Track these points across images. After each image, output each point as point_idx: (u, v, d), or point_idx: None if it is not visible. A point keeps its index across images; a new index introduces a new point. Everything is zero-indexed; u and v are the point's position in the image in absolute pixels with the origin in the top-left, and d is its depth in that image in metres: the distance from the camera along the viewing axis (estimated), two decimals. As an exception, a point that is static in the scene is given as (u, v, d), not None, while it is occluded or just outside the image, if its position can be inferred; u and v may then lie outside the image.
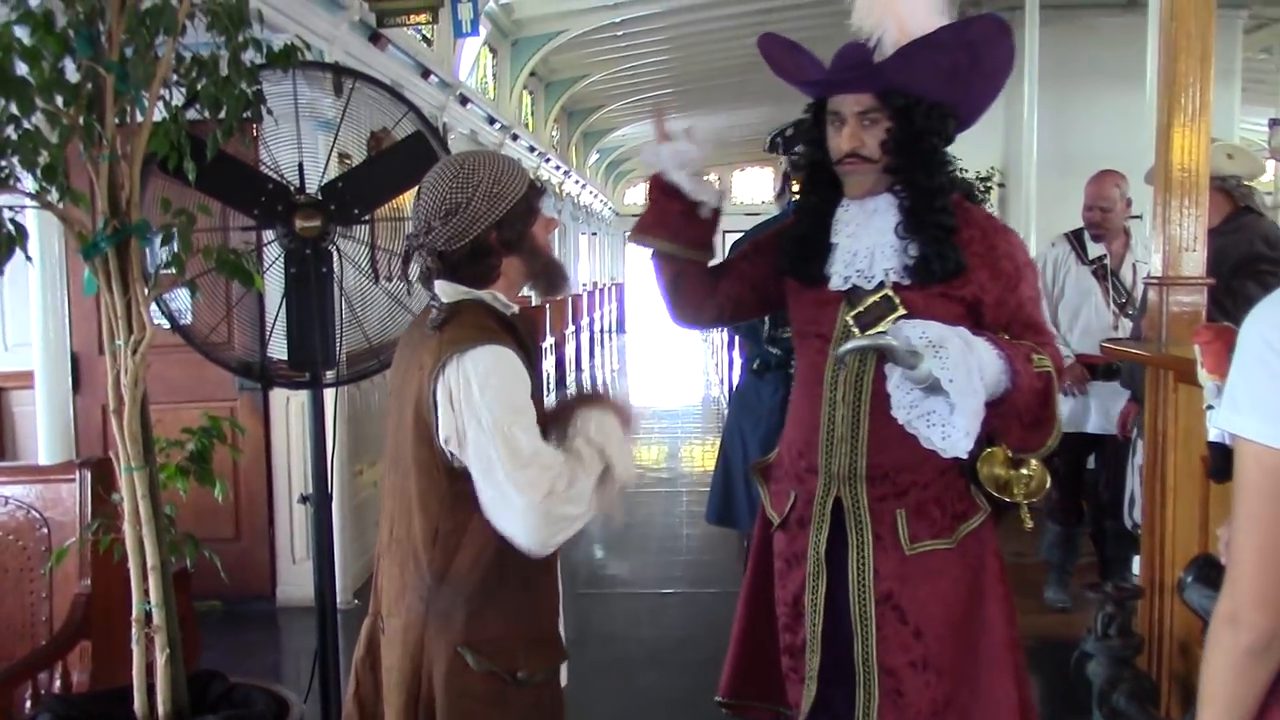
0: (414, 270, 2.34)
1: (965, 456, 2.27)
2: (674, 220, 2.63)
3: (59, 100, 2.36)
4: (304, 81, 3.41)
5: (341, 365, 3.58)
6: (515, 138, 13.46)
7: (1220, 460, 1.42)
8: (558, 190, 18.39)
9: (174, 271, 2.55)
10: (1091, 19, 10.08)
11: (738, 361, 6.21)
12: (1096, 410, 5.06)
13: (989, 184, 10.42)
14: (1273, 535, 1.36)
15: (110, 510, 2.66)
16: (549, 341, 14.17)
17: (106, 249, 2.44)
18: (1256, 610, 1.37)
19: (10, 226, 2.24)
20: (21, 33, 2.34)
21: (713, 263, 2.76)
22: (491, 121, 12.10)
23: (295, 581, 5.63)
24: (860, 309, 2.46)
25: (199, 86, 2.59)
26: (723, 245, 3.22)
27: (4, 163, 2.28)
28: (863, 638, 2.49)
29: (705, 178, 2.65)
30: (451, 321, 2.16)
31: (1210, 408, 1.61)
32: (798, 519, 2.61)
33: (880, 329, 2.38)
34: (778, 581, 2.67)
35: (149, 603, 2.54)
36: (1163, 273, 3.79)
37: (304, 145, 3.42)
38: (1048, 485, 2.55)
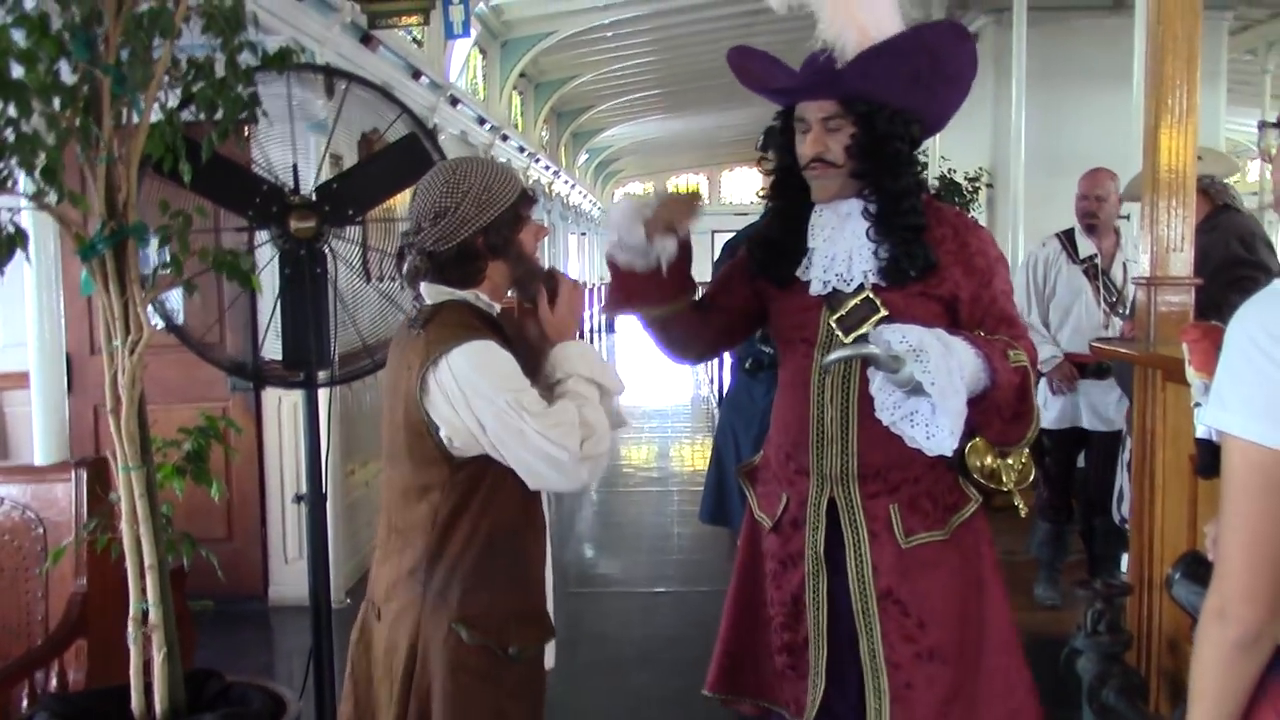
0: (396, 268, 2.43)
1: (950, 454, 2.31)
2: (641, 286, 2.63)
3: (56, 103, 2.36)
4: (296, 83, 3.42)
5: (335, 365, 3.59)
6: (505, 138, 13.48)
7: (1207, 456, 1.45)
8: (547, 190, 18.41)
9: (171, 272, 2.55)
10: (1079, 20, 10.14)
11: (728, 361, 6.24)
12: (1086, 408, 5.10)
13: (977, 184, 10.46)
14: (1260, 530, 1.39)
15: (107, 510, 2.68)
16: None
17: (104, 250, 2.45)
18: (1244, 605, 1.40)
19: (11, 228, 2.25)
20: (17, 35, 2.35)
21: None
22: (481, 122, 12.13)
23: (288, 581, 5.63)
24: (843, 312, 2.50)
25: (195, 89, 2.60)
26: (712, 246, 3.24)
27: (2, 165, 2.29)
28: (867, 635, 2.52)
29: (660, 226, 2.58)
30: (434, 321, 2.25)
31: (1198, 405, 1.64)
32: (791, 520, 2.63)
33: (863, 331, 2.42)
34: (771, 582, 2.69)
35: (146, 601, 2.55)
36: (1151, 272, 3.83)
37: (297, 146, 3.43)
38: (1034, 472, 2.60)
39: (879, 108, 2.40)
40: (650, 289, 2.63)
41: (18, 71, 2.33)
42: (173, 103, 2.66)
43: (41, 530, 3.17)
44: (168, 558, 2.62)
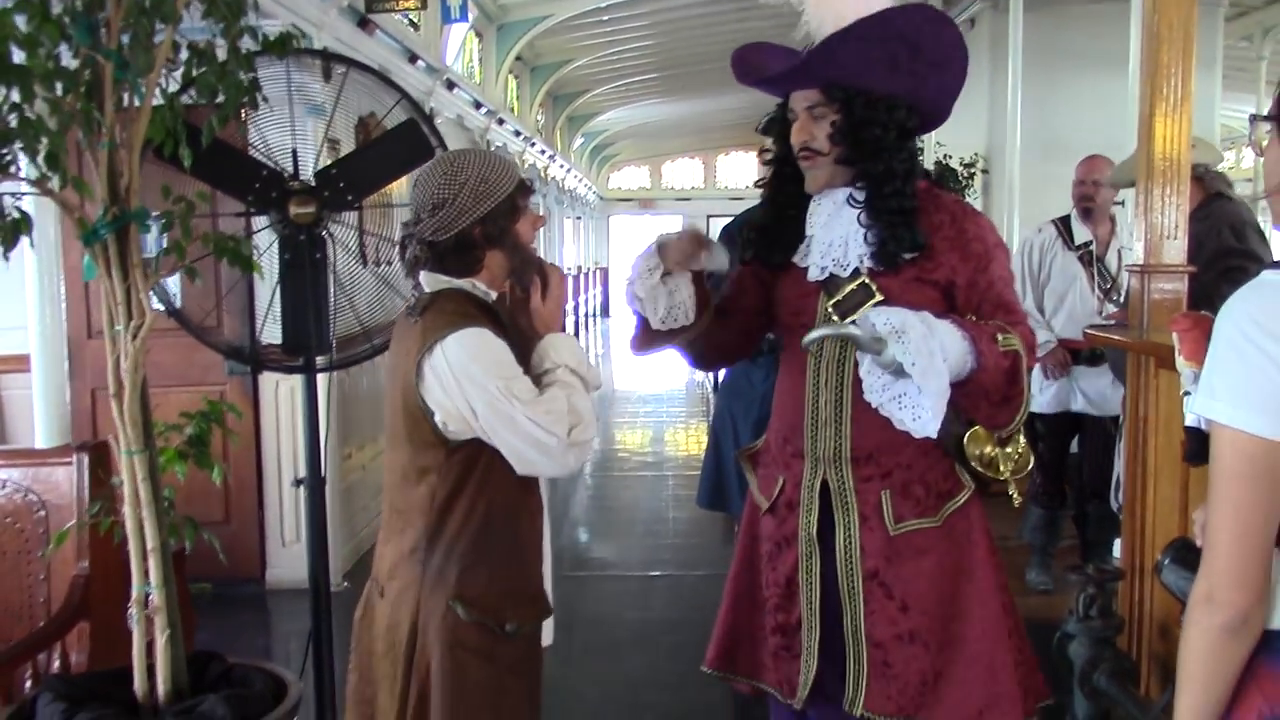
0: (400, 258, 2.49)
1: (934, 436, 2.35)
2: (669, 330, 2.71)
3: (58, 88, 2.37)
4: (295, 67, 3.43)
5: (333, 349, 3.60)
6: (501, 122, 13.45)
7: (1196, 444, 1.47)
8: (542, 174, 18.38)
9: (174, 257, 2.57)
10: (1074, 6, 10.12)
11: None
12: (1079, 393, 5.12)
13: (973, 170, 10.48)
14: (1247, 517, 1.42)
15: (109, 493, 2.70)
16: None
17: (106, 235, 2.47)
18: (1232, 590, 1.43)
19: (15, 213, 2.26)
20: (19, 20, 2.36)
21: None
22: (478, 106, 12.10)
23: (285, 564, 5.67)
24: (839, 297, 2.53)
25: (196, 74, 2.61)
26: (707, 230, 3.27)
27: (6, 150, 2.30)
28: (852, 613, 2.55)
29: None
30: (431, 309, 2.33)
31: (1187, 393, 1.67)
32: (786, 502, 2.66)
33: (855, 316, 2.44)
34: (767, 564, 2.72)
35: (149, 584, 2.57)
36: (1145, 260, 3.85)
37: (297, 131, 3.44)
38: (1031, 461, 2.62)
39: (856, 94, 2.43)
40: (681, 329, 2.69)
41: (19, 56, 2.34)
42: (173, 87, 2.67)
43: (43, 513, 3.19)
44: (170, 541, 2.64)
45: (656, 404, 13.01)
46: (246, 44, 2.69)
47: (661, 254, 2.59)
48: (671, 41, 16.40)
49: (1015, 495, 2.56)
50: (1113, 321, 4.69)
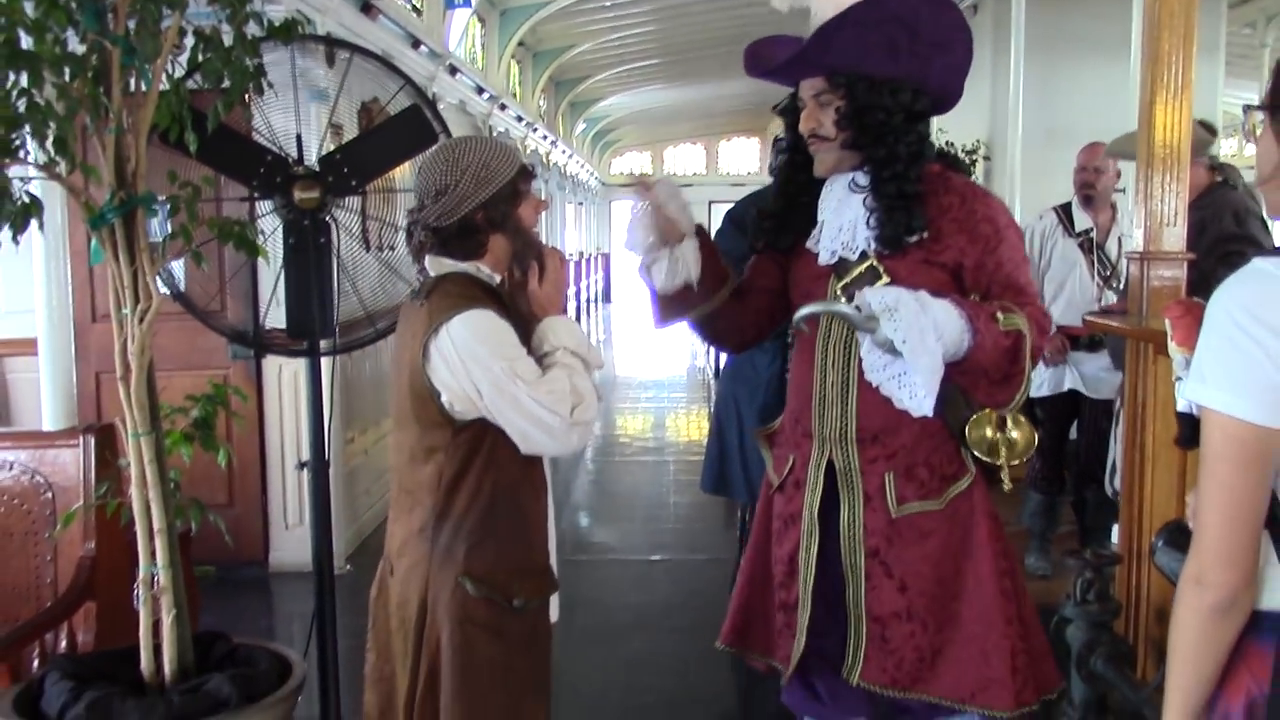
0: (408, 244, 2.55)
1: (931, 415, 2.37)
2: (681, 295, 2.75)
3: (66, 73, 2.39)
4: (299, 53, 3.44)
5: (337, 334, 3.62)
6: (503, 107, 13.45)
7: (1187, 429, 1.50)
8: (544, 159, 18.37)
9: (180, 242, 2.59)
10: (1079, -8, 10.10)
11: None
12: (1078, 379, 5.13)
13: (974, 157, 10.46)
14: (1236, 499, 1.45)
15: (116, 475, 2.72)
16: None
17: (114, 220, 2.49)
18: (1221, 570, 1.45)
19: (25, 198, 2.28)
20: (27, 5, 2.37)
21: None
22: (480, 91, 12.10)
23: (288, 547, 5.70)
24: (848, 280, 2.56)
25: (202, 60, 2.63)
26: (709, 216, 3.29)
27: (15, 135, 2.32)
28: (854, 587, 2.60)
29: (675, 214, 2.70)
30: (436, 291, 2.38)
31: (1179, 379, 1.69)
32: (794, 481, 2.71)
33: (854, 295, 2.48)
34: (775, 540, 2.77)
35: (155, 564, 2.60)
36: (1144, 247, 3.87)
37: (300, 116, 3.46)
38: (1034, 447, 2.63)
39: (858, 79, 2.46)
40: (690, 295, 2.73)
41: (27, 42, 2.36)
42: (178, 73, 2.69)
43: (49, 495, 3.22)
44: (176, 522, 2.67)
45: (658, 389, 13.02)
46: (251, 29, 2.71)
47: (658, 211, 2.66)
48: (674, 27, 16.39)
49: (1006, 482, 2.58)
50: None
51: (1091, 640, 3.71)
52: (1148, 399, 3.75)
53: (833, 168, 2.59)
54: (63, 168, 2.43)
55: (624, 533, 6.87)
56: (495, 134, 13.23)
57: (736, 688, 4.45)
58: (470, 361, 2.27)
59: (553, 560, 2.57)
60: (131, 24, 2.47)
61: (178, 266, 3.59)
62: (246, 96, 3.37)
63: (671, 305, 2.79)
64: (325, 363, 3.67)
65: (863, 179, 2.55)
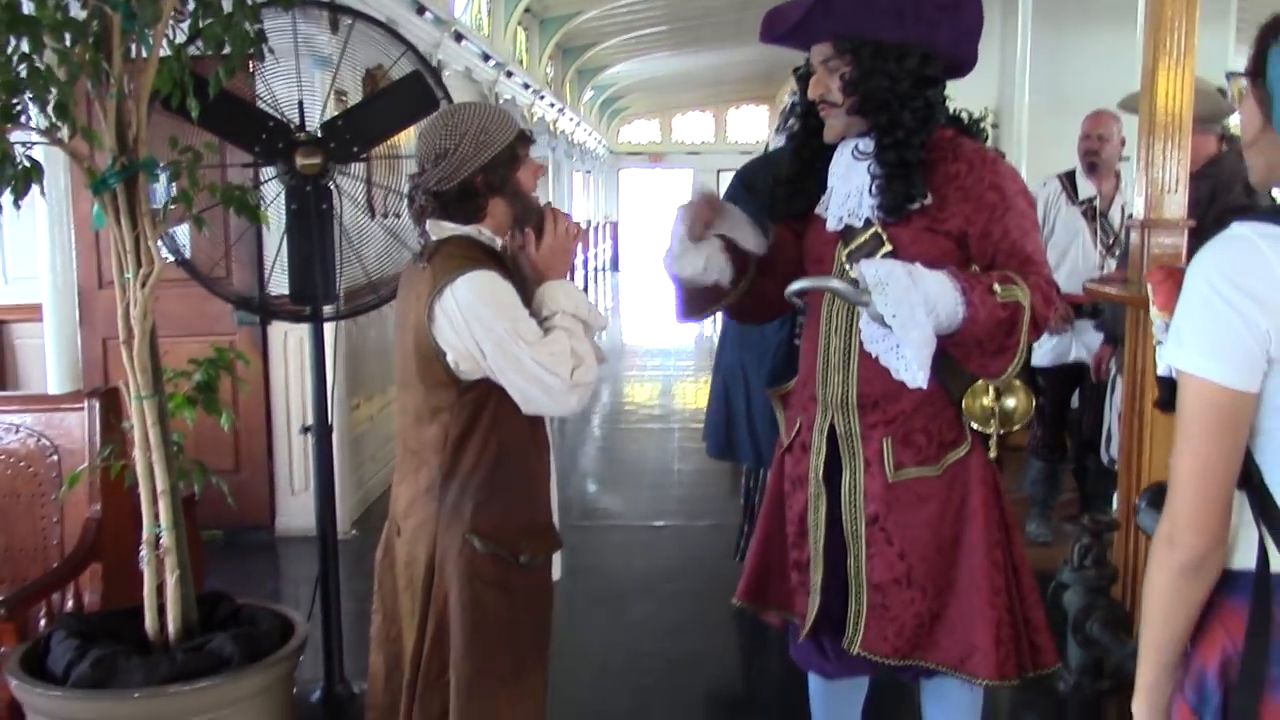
0: (409, 208, 2.58)
1: (924, 387, 2.39)
2: (709, 292, 2.79)
3: (66, 39, 2.41)
4: (301, 18, 3.45)
5: (340, 300, 3.65)
6: (510, 75, 13.41)
7: (1167, 393, 1.52)
8: (551, 127, 18.33)
9: (181, 207, 2.61)
10: (1087, -42, 10.03)
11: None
12: (1081, 347, 5.14)
13: (982, 125, 10.40)
14: (1208, 462, 1.47)
15: (120, 438, 2.76)
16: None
17: (115, 185, 2.51)
18: (1191, 532, 1.48)
19: (26, 162, 2.30)
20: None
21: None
22: (486, 58, 12.06)
23: (294, 512, 5.74)
24: (852, 247, 2.57)
25: (203, 26, 2.64)
26: (717, 183, 3.30)
27: (17, 100, 2.34)
28: (855, 555, 2.62)
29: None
30: (439, 254, 2.41)
31: (1159, 343, 1.70)
32: (801, 444, 2.75)
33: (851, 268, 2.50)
34: (786, 501, 2.80)
35: (159, 526, 2.64)
36: (1145, 215, 3.87)
37: (304, 82, 3.47)
38: (1030, 415, 2.64)
39: (863, 44, 2.45)
40: (716, 291, 2.76)
41: (28, 7, 2.37)
42: (180, 38, 2.70)
43: (55, 458, 3.25)
44: (179, 484, 2.70)
45: (664, 358, 13.05)
46: (253, -6, 2.72)
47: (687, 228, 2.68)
48: (682, -7, 16.30)
49: (994, 449, 2.60)
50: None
51: (1088, 605, 3.75)
52: (1147, 367, 3.76)
53: (841, 133, 2.59)
54: (64, 133, 2.44)
55: (629, 499, 6.92)
56: (502, 101, 13.21)
57: (737, 650, 4.50)
58: (474, 321, 2.31)
59: (555, 519, 2.62)
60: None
61: (183, 232, 3.62)
62: (251, 64, 3.40)
63: (696, 300, 2.82)
64: (329, 328, 3.70)
65: (866, 146, 2.55)
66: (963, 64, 2.62)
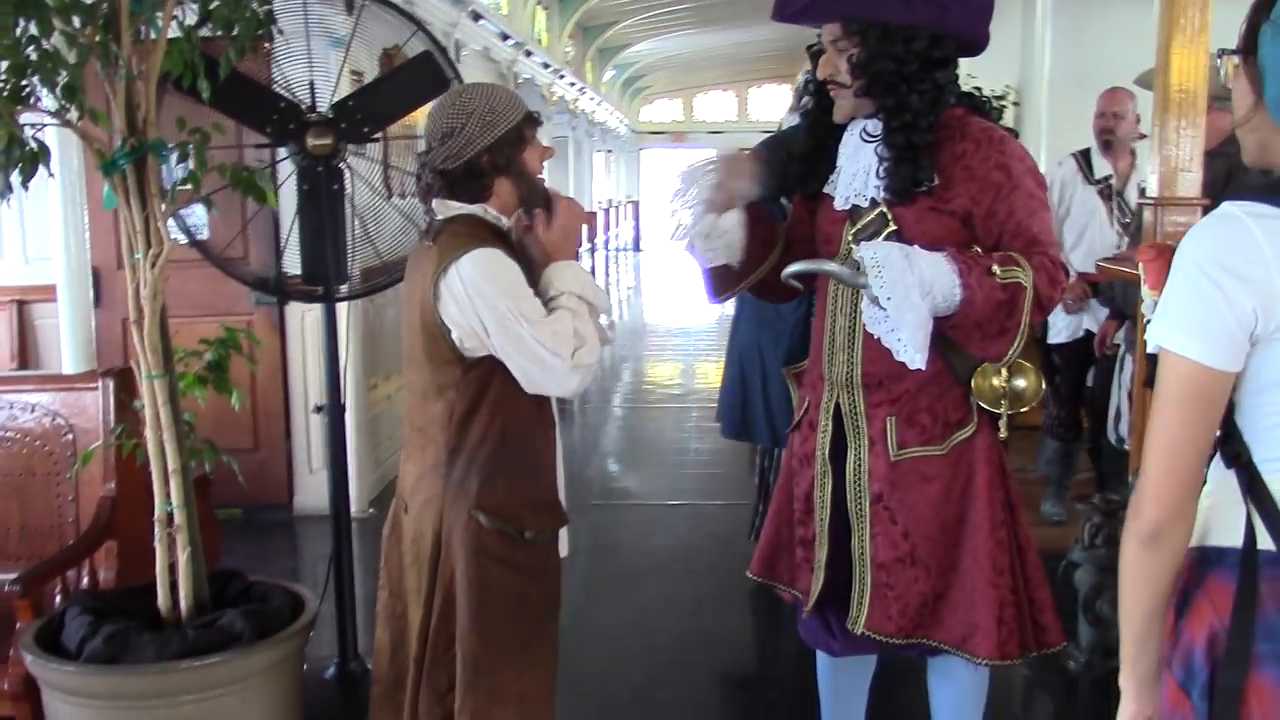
0: (416, 186, 2.59)
1: (922, 368, 2.40)
2: (734, 270, 2.77)
3: (76, 21, 2.43)
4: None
5: (355, 280, 3.68)
6: (529, 54, 13.39)
7: (1154, 370, 1.54)
8: (571, 107, 18.30)
9: (190, 188, 2.64)
10: (1109, -66, 9.94)
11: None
12: (1089, 319, 5.12)
13: (1003, 102, 10.34)
14: (1175, 436, 1.48)
15: (132, 417, 2.79)
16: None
17: (125, 166, 2.53)
18: (1151, 503, 1.50)
19: (34, 144, 2.33)
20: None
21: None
22: (504, 38, 12.04)
23: (311, 491, 5.76)
24: (858, 227, 2.58)
25: (211, 7, 2.65)
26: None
27: (25, 82, 2.36)
28: (859, 534, 2.63)
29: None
30: (445, 232, 2.43)
31: (1148, 321, 1.71)
32: (808, 422, 2.76)
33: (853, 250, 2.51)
34: (794, 479, 2.81)
35: (170, 504, 2.67)
36: (1159, 193, 3.84)
37: (317, 63, 3.49)
38: (1040, 396, 2.63)
39: (871, 26, 2.45)
40: (741, 270, 2.75)
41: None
42: (190, 20, 2.72)
43: (71, 436, 3.29)
44: (190, 463, 2.73)
45: (685, 337, 13.06)
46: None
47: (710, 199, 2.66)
48: (703, -30, 16.23)
49: (1003, 430, 2.59)
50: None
51: (1098, 584, 3.75)
52: (1159, 345, 3.73)
53: (850, 114, 2.59)
54: (74, 114, 2.47)
55: (645, 478, 6.94)
56: (520, 80, 13.21)
57: (749, 629, 4.52)
58: (478, 299, 2.33)
59: (561, 496, 2.63)
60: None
61: (202, 213, 3.65)
62: (267, 45, 3.42)
63: (724, 279, 2.81)
64: (343, 308, 3.73)
65: (873, 128, 2.54)
66: (975, 43, 2.61)
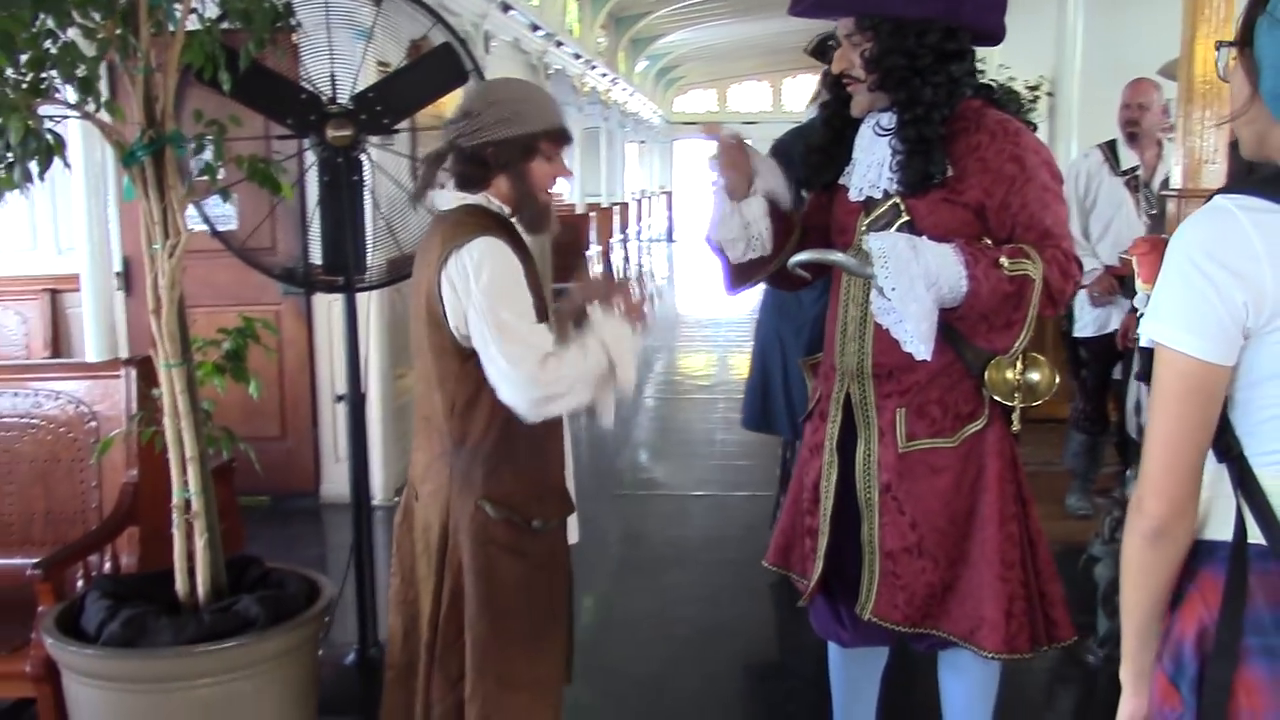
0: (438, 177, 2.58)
1: (928, 359, 2.41)
2: (755, 262, 2.78)
3: (95, 15, 2.46)
4: (339, -10, 3.49)
5: (379, 271, 3.70)
6: (559, 44, 13.39)
7: (1148, 364, 1.53)
8: (603, 98, 18.27)
9: (208, 180, 2.67)
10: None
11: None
12: (1118, 314, 5.08)
13: (1037, 93, 10.30)
14: (1176, 432, 1.48)
15: (152, 405, 2.82)
16: (595, 249, 14.28)
17: (143, 158, 2.57)
18: (1154, 499, 1.50)
19: (49, 137, 2.36)
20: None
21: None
22: (535, 29, 12.04)
23: (337, 479, 5.78)
24: (872, 217, 2.58)
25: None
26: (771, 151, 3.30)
27: (44, 75, 2.40)
28: (868, 522, 2.64)
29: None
30: (450, 220, 2.45)
31: (1141, 315, 1.70)
32: (820, 412, 2.77)
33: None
34: (805, 469, 2.81)
35: (188, 490, 2.71)
36: (1182, 185, 3.81)
37: (340, 54, 3.51)
38: (1054, 389, 2.62)
39: (884, 21, 2.45)
40: (761, 261, 2.76)
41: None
42: (211, 13, 2.75)
43: (94, 424, 3.35)
44: (208, 451, 2.77)
45: (715, 328, 13.05)
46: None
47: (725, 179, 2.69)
48: (737, -42, 16.16)
49: (1016, 423, 2.58)
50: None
51: (1118, 578, 3.72)
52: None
53: (866, 108, 2.60)
54: (92, 107, 2.50)
55: (672, 469, 6.96)
56: (552, 71, 13.21)
57: (768, 619, 4.53)
58: (473, 285, 2.34)
59: (570, 484, 2.64)
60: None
61: (232, 203, 3.68)
62: (294, 36, 3.44)
63: (743, 271, 2.83)
64: (364, 298, 3.75)
65: (887, 122, 2.55)
66: (991, 34, 2.60)
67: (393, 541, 2.69)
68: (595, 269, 12.43)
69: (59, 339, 5.97)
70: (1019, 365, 2.56)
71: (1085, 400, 5.29)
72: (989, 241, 2.49)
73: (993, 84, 2.69)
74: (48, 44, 2.37)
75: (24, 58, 2.37)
